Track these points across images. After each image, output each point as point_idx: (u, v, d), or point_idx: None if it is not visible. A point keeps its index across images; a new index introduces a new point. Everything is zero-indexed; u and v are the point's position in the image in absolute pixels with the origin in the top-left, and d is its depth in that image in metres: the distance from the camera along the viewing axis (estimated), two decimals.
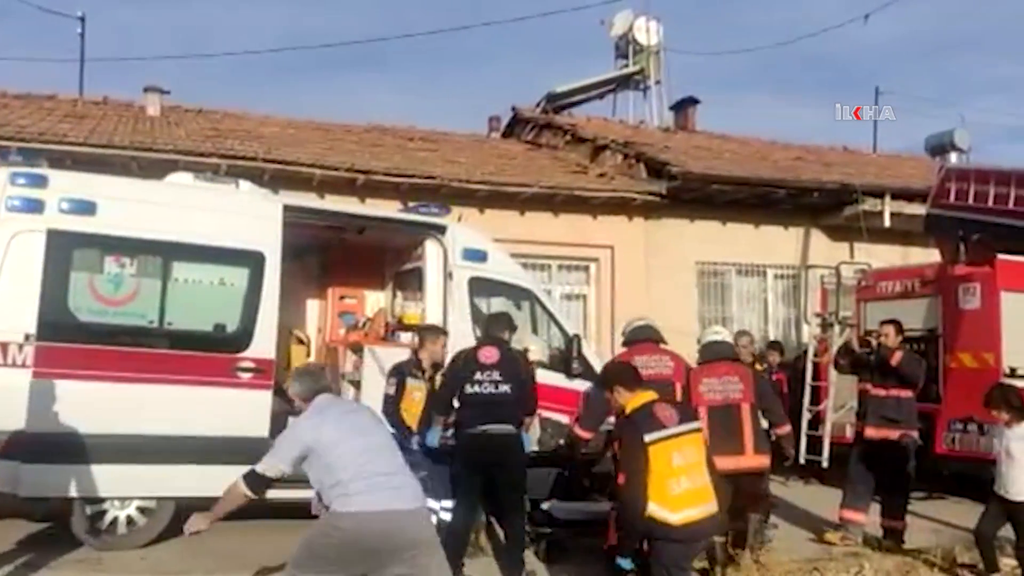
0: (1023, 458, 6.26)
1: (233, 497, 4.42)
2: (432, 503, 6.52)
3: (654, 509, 4.72)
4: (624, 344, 6.98)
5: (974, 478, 9.74)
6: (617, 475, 5.02)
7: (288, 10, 52.90)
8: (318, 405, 4.56)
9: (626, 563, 4.84)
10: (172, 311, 6.86)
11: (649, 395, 5.09)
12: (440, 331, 7.10)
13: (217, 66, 51.27)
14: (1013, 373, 9.20)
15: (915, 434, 7.87)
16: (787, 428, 6.99)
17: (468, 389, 6.31)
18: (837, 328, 10.66)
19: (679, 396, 6.47)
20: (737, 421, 6.45)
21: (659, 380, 6.40)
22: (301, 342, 8.66)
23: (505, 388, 6.28)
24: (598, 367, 8.25)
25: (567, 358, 8.21)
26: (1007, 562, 6.89)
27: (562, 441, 7.37)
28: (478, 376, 6.30)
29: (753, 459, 6.44)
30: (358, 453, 4.31)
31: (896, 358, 7.75)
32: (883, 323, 8.25)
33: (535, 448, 6.85)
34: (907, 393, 7.82)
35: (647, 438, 4.78)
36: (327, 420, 4.45)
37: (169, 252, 6.86)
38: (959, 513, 9.18)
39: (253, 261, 7.01)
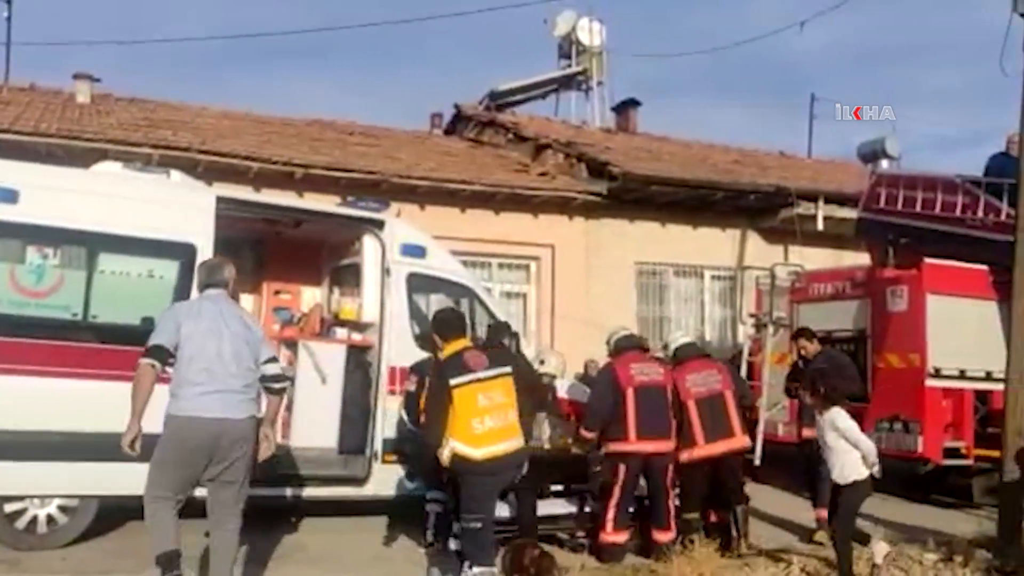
0: (837, 444, 6.41)
1: (141, 378, 4.72)
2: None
3: (459, 447, 5.38)
4: (612, 354, 7.30)
5: (901, 475, 10.03)
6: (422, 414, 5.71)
7: (229, 1, 51.95)
8: (204, 295, 5.06)
9: (433, 493, 5.64)
10: (98, 304, 6.64)
11: (463, 343, 5.73)
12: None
13: (153, 55, 50.17)
14: (937, 373, 9.48)
15: None
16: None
17: None
18: (771, 328, 10.87)
19: (671, 400, 6.97)
20: (724, 408, 7.14)
21: (655, 386, 6.98)
22: None
23: None
24: (536, 364, 8.33)
25: None
26: (929, 557, 7.10)
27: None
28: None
29: (741, 439, 7.25)
30: (203, 356, 4.75)
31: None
32: (796, 337, 8.59)
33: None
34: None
35: (452, 382, 5.45)
36: (201, 312, 4.88)
37: (95, 243, 6.65)
38: (885, 510, 9.41)
39: (183, 253, 6.82)
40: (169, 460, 4.79)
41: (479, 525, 5.45)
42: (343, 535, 7.26)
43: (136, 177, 7.23)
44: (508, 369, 5.72)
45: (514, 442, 5.52)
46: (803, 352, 8.40)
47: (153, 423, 4.82)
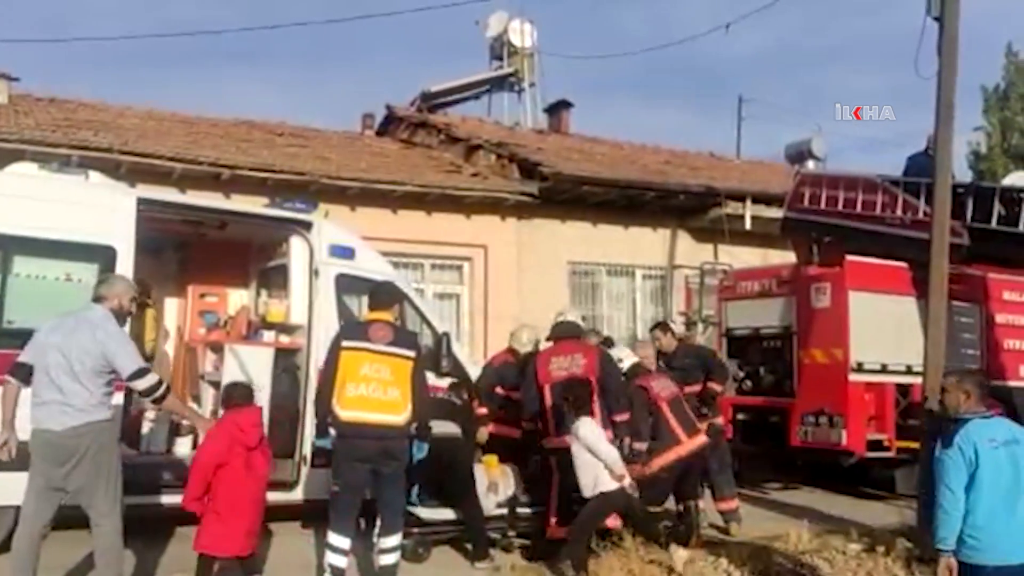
0: (582, 456, 6.30)
1: (5, 393, 5.06)
2: None
3: (333, 404, 5.68)
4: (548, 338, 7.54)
5: (827, 469, 10.28)
6: None
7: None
8: (79, 309, 5.25)
9: (322, 441, 5.92)
10: (13, 308, 6.45)
11: (380, 315, 5.96)
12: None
13: (77, 56, 48.66)
14: (860, 368, 9.73)
15: (718, 421, 8.42)
16: None
17: None
18: (700, 326, 11.04)
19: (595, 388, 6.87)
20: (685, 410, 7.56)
21: (574, 380, 6.90)
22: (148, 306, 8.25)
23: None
24: (468, 365, 8.32)
25: (436, 356, 8.18)
26: (853, 547, 7.27)
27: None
28: None
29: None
30: (42, 369, 4.99)
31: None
32: (652, 329, 8.82)
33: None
34: (696, 388, 8.32)
35: (344, 344, 5.77)
36: (58, 326, 5.08)
37: (9, 245, 6.45)
38: (810, 501, 9.66)
39: (103, 256, 6.65)
40: (31, 467, 5.09)
41: (336, 489, 5.79)
42: (271, 541, 7.14)
43: (52, 178, 7.00)
44: (410, 353, 5.87)
45: (382, 416, 5.72)
46: (658, 344, 8.53)
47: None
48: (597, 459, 6.22)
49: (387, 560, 5.83)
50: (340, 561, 5.76)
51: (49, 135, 10.49)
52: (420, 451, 6.14)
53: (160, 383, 5.26)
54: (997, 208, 9.68)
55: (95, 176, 7.32)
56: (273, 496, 7.26)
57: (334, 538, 5.73)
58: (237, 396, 5.67)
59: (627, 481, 6.32)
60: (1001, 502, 4.33)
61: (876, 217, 10.37)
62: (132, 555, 5.94)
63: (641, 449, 7.09)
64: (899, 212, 10.17)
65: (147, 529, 6.02)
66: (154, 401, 5.28)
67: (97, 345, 5.05)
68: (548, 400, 6.89)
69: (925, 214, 9.23)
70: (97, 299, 5.27)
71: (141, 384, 5.18)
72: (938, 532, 4.40)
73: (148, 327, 8.23)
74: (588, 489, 6.30)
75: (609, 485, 6.25)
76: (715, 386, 8.42)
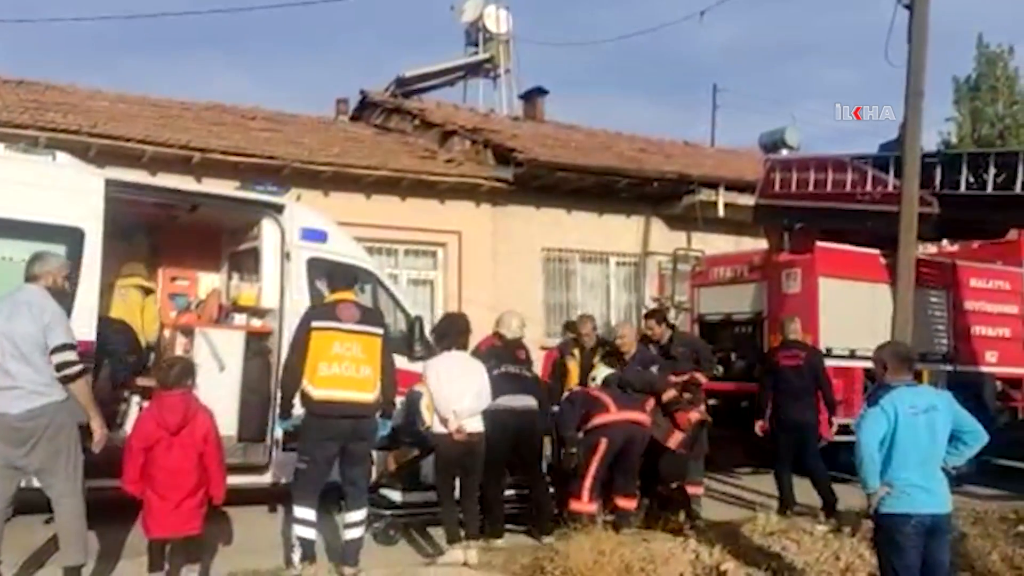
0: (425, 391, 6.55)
1: None
2: None
3: (305, 384, 5.71)
4: None
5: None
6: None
7: None
8: (14, 290, 5.22)
9: (284, 424, 6.10)
10: None
11: (344, 296, 6.02)
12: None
13: (49, 40, 47.85)
14: (829, 353, 9.81)
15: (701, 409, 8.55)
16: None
17: None
18: (673, 312, 11.10)
19: None
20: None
21: None
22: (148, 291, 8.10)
23: None
24: None
25: (409, 340, 8.19)
26: (820, 528, 7.36)
27: None
28: None
29: None
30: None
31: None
32: (647, 317, 9.05)
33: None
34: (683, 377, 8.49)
35: (314, 324, 5.80)
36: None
37: None
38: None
39: (70, 238, 6.58)
40: None
41: (304, 466, 5.82)
42: (241, 523, 7.12)
43: (18, 159, 6.93)
44: (378, 331, 5.95)
45: (355, 394, 5.76)
46: (650, 333, 8.68)
47: None
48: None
49: (354, 534, 5.87)
50: (309, 533, 5.81)
51: (17, 117, 10.35)
52: (384, 428, 6.19)
53: (74, 364, 5.14)
54: (965, 175, 9.74)
55: (63, 157, 7.24)
56: (244, 479, 7.30)
57: (302, 511, 5.78)
58: (163, 378, 5.52)
59: (453, 425, 6.33)
60: (916, 463, 4.88)
61: (846, 195, 10.44)
62: (97, 538, 5.90)
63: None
64: (868, 187, 10.25)
65: (115, 512, 5.97)
66: (63, 380, 5.08)
67: (36, 323, 5.05)
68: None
69: (895, 187, 9.30)
70: (31, 278, 5.25)
71: (59, 357, 5.07)
72: (862, 480, 4.93)
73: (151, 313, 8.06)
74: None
75: (437, 427, 6.40)
76: (700, 376, 8.57)
